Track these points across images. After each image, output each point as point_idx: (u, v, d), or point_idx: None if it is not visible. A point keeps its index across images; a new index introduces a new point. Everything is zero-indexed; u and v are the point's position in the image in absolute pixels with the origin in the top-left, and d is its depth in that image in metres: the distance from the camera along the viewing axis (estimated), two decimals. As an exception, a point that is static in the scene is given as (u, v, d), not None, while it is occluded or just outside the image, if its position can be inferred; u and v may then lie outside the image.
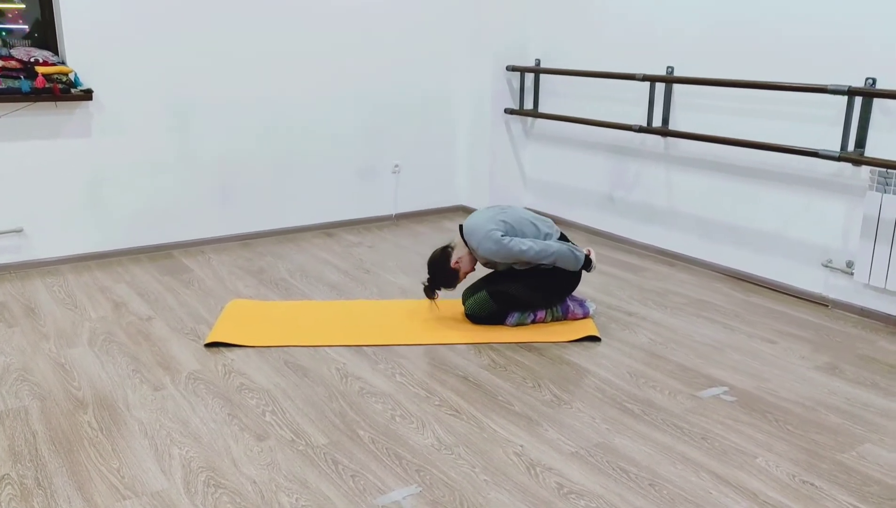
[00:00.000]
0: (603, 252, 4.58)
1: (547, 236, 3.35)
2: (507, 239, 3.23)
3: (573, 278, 3.39)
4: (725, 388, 2.86)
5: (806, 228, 3.79)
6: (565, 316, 3.43)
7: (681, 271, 4.27)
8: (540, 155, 5.37)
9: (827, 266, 3.69)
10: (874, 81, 3.38)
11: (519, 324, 3.38)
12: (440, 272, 3.38)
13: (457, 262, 3.36)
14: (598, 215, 4.94)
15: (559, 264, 3.30)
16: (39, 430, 2.50)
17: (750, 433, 2.54)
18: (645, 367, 3.03)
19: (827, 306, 3.72)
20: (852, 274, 3.57)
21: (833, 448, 2.46)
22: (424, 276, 4.07)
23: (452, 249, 3.39)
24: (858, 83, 3.44)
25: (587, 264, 3.39)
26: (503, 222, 3.29)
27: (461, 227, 3.37)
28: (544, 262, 3.27)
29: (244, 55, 4.51)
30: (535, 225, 3.36)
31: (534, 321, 3.40)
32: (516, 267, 3.37)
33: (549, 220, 3.46)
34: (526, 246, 3.23)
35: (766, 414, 2.67)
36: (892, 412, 2.71)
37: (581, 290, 3.86)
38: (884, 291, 3.49)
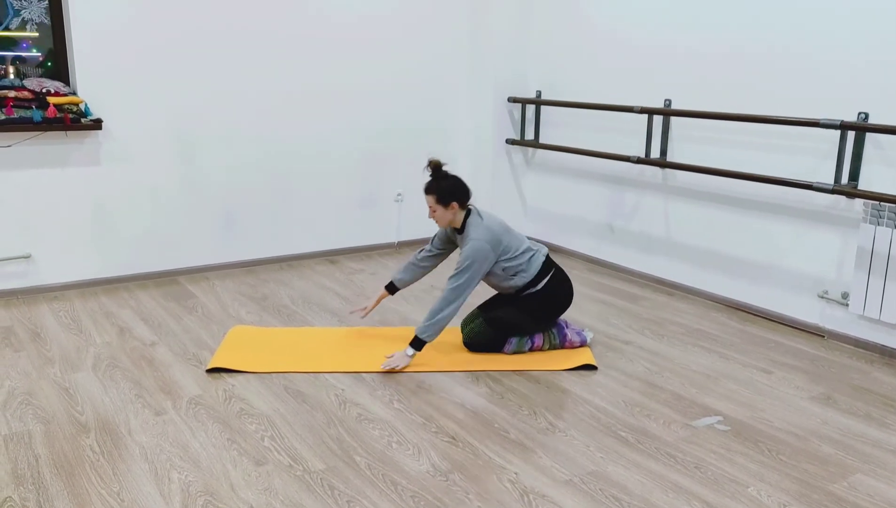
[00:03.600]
0: (602, 281, 4.63)
1: (528, 250, 3.41)
2: (475, 265, 3.26)
3: (562, 303, 3.45)
4: (719, 417, 2.89)
5: (802, 259, 3.83)
6: (563, 344, 3.48)
7: (678, 300, 4.31)
8: (540, 185, 5.44)
9: (823, 297, 3.73)
10: (867, 115, 3.45)
11: (517, 352, 3.42)
12: (449, 185, 3.41)
13: (452, 207, 3.38)
14: (598, 245, 4.99)
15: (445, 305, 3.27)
16: (42, 453, 2.54)
17: (742, 463, 2.56)
18: (640, 396, 3.06)
19: (823, 336, 3.75)
20: (847, 305, 3.60)
21: (825, 479, 2.48)
22: (424, 306, 4.12)
23: (460, 205, 3.42)
24: (852, 118, 3.51)
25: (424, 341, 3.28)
26: (500, 242, 3.34)
27: (472, 210, 3.46)
28: (451, 292, 3.26)
29: (248, 87, 4.61)
30: (522, 249, 3.40)
31: (531, 349, 3.44)
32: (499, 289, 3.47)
33: (539, 245, 3.51)
34: (460, 287, 3.25)
35: (759, 444, 2.69)
36: (884, 442, 2.73)
37: (579, 318, 3.91)
38: (878, 322, 3.52)
